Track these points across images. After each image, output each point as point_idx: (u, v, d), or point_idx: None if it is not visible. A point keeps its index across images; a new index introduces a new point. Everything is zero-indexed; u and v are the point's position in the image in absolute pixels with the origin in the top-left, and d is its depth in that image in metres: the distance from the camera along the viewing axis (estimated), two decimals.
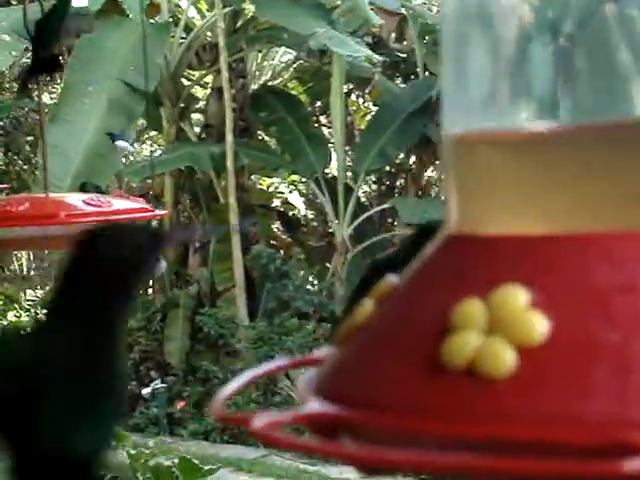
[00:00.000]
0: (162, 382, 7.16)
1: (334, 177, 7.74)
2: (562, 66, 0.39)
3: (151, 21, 7.12)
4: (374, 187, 8.75)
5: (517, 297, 0.36)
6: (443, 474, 0.33)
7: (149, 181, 7.69)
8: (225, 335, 7.22)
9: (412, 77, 8.00)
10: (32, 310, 8.25)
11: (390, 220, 8.32)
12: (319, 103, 8.50)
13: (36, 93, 2.09)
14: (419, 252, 0.43)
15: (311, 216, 8.95)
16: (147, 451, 2.63)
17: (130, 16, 6.50)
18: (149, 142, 8.98)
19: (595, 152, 0.40)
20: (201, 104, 8.19)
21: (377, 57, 6.69)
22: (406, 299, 0.41)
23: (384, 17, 7.03)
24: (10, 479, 0.70)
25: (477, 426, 0.33)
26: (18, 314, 8.26)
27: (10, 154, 8.27)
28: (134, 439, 2.68)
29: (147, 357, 7.55)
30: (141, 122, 7.67)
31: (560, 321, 0.35)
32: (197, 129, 8.08)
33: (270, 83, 8.20)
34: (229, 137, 6.99)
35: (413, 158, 8.28)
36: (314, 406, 0.37)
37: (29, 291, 9.00)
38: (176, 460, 2.40)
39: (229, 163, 6.99)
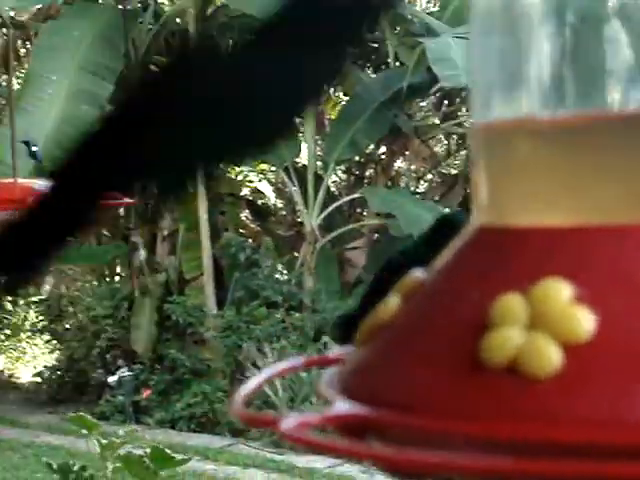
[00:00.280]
0: (129, 370, 7.13)
1: (304, 166, 7.73)
2: (603, 54, 0.37)
3: (119, 7, 7.06)
4: (344, 177, 8.73)
5: (560, 291, 0.34)
6: (488, 477, 0.31)
7: None
8: (193, 323, 7.19)
9: (383, 67, 8.00)
10: None
11: (359, 210, 8.32)
12: None
13: (5, 77, 2.05)
14: (438, 247, 0.41)
15: (280, 205, 8.93)
16: (118, 440, 2.60)
17: (100, 1, 6.43)
18: None
19: (630, 141, 0.38)
20: None
21: None
22: (437, 295, 0.39)
23: None
24: None
25: (522, 427, 0.32)
26: None
27: None
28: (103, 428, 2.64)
29: (114, 345, 7.52)
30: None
31: (605, 316, 0.34)
32: None
33: None
34: None
35: (383, 148, 8.27)
36: (343, 407, 0.36)
37: None
38: (148, 450, 2.37)
39: None
